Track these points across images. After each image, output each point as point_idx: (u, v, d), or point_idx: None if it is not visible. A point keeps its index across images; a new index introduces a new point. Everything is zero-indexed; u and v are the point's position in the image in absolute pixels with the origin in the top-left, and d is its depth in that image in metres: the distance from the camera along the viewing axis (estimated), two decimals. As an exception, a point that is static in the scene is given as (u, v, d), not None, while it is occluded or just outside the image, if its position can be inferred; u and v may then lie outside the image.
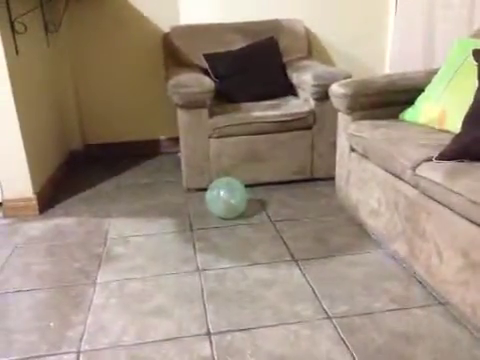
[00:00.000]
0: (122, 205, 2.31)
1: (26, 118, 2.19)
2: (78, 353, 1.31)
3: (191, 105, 2.26)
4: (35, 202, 2.19)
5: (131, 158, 3.00)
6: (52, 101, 2.72)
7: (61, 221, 2.14)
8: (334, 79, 2.19)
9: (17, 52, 2.15)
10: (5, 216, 2.18)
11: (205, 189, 2.43)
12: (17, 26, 2.12)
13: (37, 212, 2.20)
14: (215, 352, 1.30)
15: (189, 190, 2.44)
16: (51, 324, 1.44)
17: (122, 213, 2.21)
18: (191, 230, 2.03)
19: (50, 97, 2.68)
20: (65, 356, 1.30)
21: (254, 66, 2.59)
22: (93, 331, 1.40)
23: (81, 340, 1.36)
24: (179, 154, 2.95)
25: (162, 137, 3.13)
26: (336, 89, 1.99)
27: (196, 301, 1.53)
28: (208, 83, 2.26)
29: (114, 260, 1.80)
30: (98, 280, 1.67)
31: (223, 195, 2.06)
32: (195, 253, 1.84)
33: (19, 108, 2.10)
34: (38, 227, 2.09)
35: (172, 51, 2.76)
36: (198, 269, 1.72)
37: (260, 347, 1.31)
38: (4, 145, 2.11)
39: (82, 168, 2.88)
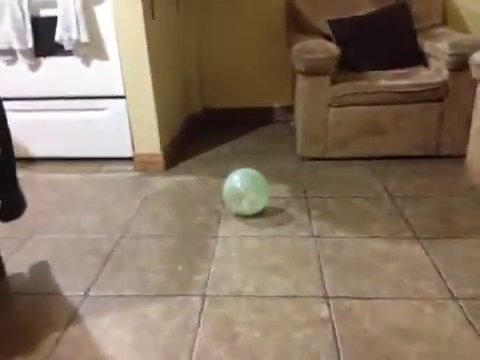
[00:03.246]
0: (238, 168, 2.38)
1: (157, 80, 2.34)
2: (203, 297, 1.41)
3: (314, 71, 2.22)
4: (161, 158, 2.36)
5: (245, 124, 3.06)
6: (178, 65, 2.87)
7: (184, 178, 2.29)
8: (474, 48, 2.01)
9: (153, 16, 2.29)
10: (136, 169, 2.39)
11: (320, 158, 2.42)
12: (155, -9, 2.25)
13: (163, 168, 2.37)
14: (334, 315, 1.31)
15: (303, 158, 2.44)
16: (179, 268, 1.56)
17: (239, 175, 2.29)
18: (305, 197, 2.04)
19: (177, 62, 2.83)
20: (193, 298, 1.41)
21: (382, 33, 2.46)
22: (216, 279, 1.49)
23: (206, 286, 1.46)
24: (292, 123, 2.95)
25: (276, 105, 3.14)
26: (479, 58, 1.82)
27: (312, 264, 1.55)
28: (333, 49, 2.21)
29: (232, 218, 1.88)
30: (219, 234, 1.77)
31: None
32: (310, 220, 1.84)
33: (153, 71, 2.25)
34: (164, 181, 2.26)
35: (295, 16, 2.73)
36: (313, 235, 1.73)
37: (380, 317, 1.29)
38: (139, 103, 2.28)
39: (200, 131, 3.02)
